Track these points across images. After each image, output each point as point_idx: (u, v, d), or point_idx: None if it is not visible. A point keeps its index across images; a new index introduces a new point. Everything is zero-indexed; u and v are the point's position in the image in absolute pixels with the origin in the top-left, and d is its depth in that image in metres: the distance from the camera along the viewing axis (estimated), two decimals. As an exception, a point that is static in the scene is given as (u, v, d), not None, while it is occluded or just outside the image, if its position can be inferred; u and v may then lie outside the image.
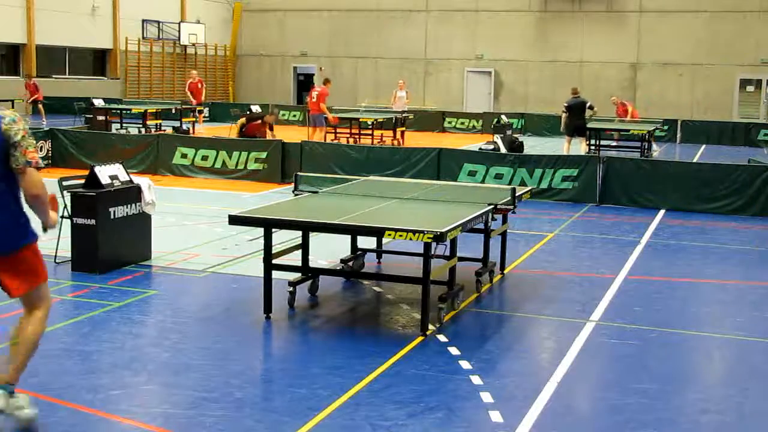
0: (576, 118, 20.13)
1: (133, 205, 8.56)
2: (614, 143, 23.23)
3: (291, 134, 21.90)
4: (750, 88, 34.09)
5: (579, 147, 20.44)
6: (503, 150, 18.43)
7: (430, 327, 6.68)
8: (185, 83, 37.16)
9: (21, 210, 4.74)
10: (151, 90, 36.74)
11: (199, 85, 26.15)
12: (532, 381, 5.71)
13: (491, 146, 19.03)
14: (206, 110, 31.39)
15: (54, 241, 8.58)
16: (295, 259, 7.75)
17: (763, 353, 6.60)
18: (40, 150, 16.24)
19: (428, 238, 6.20)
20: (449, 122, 31.70)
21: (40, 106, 27.38)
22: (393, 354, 6.10)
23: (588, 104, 20.54)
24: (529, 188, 9.76)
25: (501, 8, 36.34)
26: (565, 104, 20.65)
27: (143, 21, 36.19)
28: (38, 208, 4.74)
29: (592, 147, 21.33)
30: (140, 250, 8.67)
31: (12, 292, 4.82)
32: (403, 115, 25.16)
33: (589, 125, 22.20)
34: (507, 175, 14.13)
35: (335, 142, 21.77)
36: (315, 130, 21.67)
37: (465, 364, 5.94)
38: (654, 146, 23.56)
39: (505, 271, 8.78)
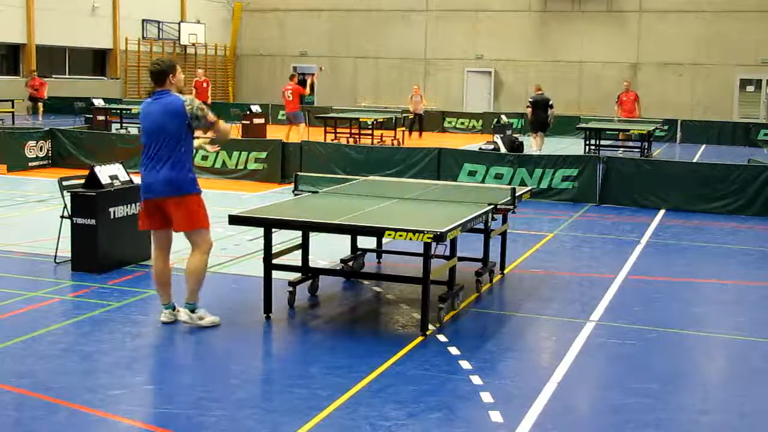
0: (540, 114, 20.98)
1: (133, 205, 8.54)
2: (619, 143, 22.91)
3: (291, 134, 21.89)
4: (750, 88, 34.09)
5: (536, 141, 21.23)
6: (503, 150, 18.43)
7: (430, 327, 6.68)
8: (185, 83, 36.82)
9: (190, 167, 6.52)
10: (151, 90, 36.72)
11: (204, 84, 26.19)
12: (532, 381, 5.71)
13: (491, 146, 19.03)
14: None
15: (54, 241, 8.59)
16: (295, 259, 7.75)
17: (763, 353, 6.59)
18: (40, 150, 16.32)
19: (428, 238, 6.20)
20: (449, 122, 31.70)
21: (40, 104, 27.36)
22: (393, 354, 6.10)
23: (549, 102, 21.08)
24: (529, 188, 9.74)
25: (501, 8, 36.34)
26: (530, 100, 21.36)
27: (143, 21, 36.20)
28: (222, 138, 6.97)
29: (592, 147, 21.35)
30: (140, 250, 8.66)
31: (174, 227, 6.55)
32: (415, 115, 26.38)
33: (589, 125, 22.26)
34: (507, 175, 14.13)
35: (335, 142, 21.75)
36: (292, 128, 21.67)
37: (465, 364, 5.94)
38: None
39: (505, 271, 8.77)
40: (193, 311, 6.60)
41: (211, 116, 6.60)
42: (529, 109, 21.36)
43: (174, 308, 6.75)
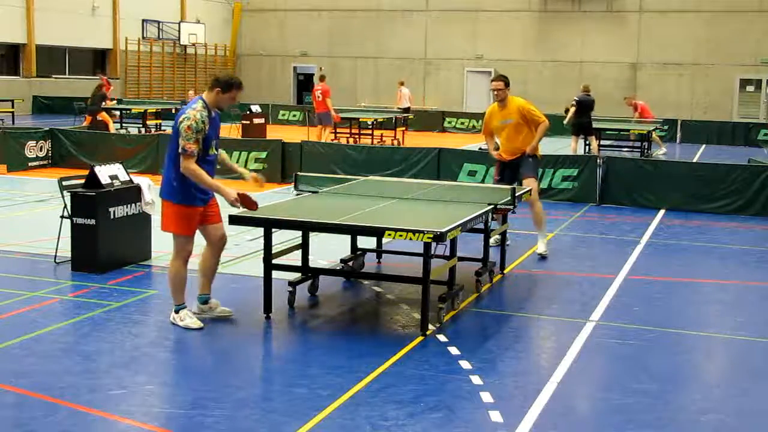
0: (584, 117, 20.33)
1: (133, 205, 8.55)
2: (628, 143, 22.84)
3: (291, 134, 21.91)
4: (750, 88, 34.09)
5: (574, 145, 20.76)
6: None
7: (430, 327, 6.68)
8: (185, 83, 37.15)
9: (176, 176, 6.40)
10: (151, 90, 36.75)
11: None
12: (532, 381, 5.71)
13: (491, 146, 18.94)
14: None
15: (54, 241, 8.59)
16: (295, 259, 7.75)
17: (763, 353, 6.59)
18: (40, 150, 16.30)
19: (428, 238, 6.19)
20: (449, 122, 31.71)
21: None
22: (393, 354, 6.10)
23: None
24: (529, 188, 9.73)
25: (501, 8, 36.35)
26: (576, 99, 20.69)
27: (143, 21, 36.22)
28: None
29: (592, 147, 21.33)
30: (140, 250, 8.66)
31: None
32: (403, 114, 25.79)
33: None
34: (507, 175, 14.10)
35: (335, 142, 21.75)
36: (322, 129, 21.44)
37: (465, 364, 5.94)
38: (662, 149, 23.12)
39: (505, 271, 8.77)
40: (176, 312, 6.70)
41: (188, 145, 6.25)
42: (573, 108, 20.81)
43: (206, 302, 6.87)
